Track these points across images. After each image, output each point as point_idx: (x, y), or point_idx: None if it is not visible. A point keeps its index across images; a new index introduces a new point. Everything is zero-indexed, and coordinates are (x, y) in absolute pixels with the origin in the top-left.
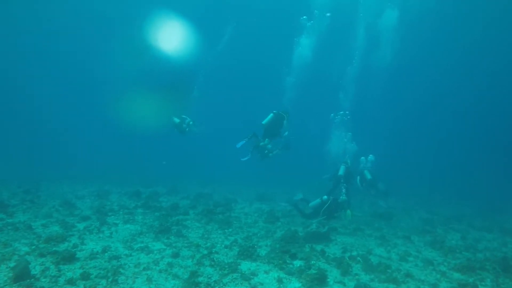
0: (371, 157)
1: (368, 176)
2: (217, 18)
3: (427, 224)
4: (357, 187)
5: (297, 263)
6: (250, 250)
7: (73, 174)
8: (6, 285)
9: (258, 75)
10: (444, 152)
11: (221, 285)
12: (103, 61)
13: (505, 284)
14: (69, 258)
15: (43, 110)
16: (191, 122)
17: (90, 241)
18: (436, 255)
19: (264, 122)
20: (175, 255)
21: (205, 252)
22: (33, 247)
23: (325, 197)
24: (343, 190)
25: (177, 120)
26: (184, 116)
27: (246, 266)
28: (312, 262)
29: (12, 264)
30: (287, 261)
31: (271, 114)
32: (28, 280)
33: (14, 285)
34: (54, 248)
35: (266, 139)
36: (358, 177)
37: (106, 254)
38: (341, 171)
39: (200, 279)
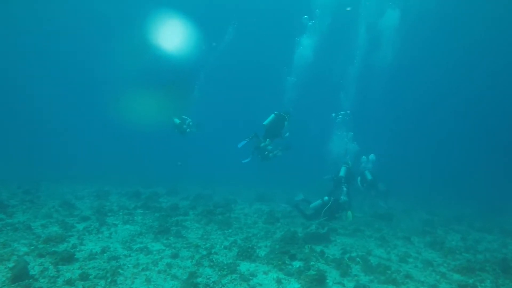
0: (372, 156)
1: (369, 177)
2: (217, 18)
3: (427, 225)
4: (357, 188)
5: (297, 264)
6: (250, 251)
7: (73, 174)
8: (4, 285)
9: (258, 75)
10: (445, 152)
11: (220, 285)
12: (103, 61)
13: (505, 285)
14: (68, 258)
15: (43, 110)
16: (191, 123)
17: (89, 242)
18: (436, 256)
19: (265, 122)
20: (174, 256)
21: (204, 252)
22: (32, 247)
23: (326, 198)
24: (344, 191)
25: (177, 120)
26: (184, 116)
27: (245, 266)
28: (312, 263)
29: (10, 265)
30: (287, 262)
31: (272, 115)
32: (26, 281)
33: (13, 285)
34: (53, 249)
35: (267, 139)
36: (359, 178)
37: (105, 254)
38: (342, 172)
39: (199, 279)
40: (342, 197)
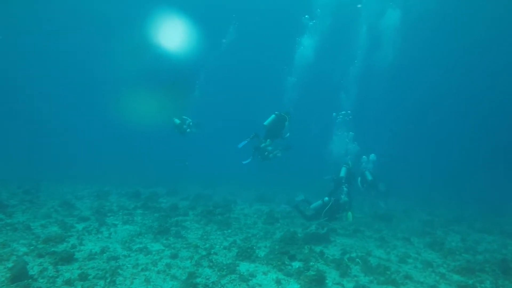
0: (372, 156)
1: (369, 177)
2: (218, 17)
3: (427, 226)
4: (358, 188)
5: (296, 264)
6: (249, 251)
7: (73, 174)
8: (3, 285)
9: (259, 75)
10: (445, 152)
11: (219, 286)
12: (103, 60)
13: (505, 286)
14: (68, 258)
15: (43, 110)
16: (191, 123)
17: (89, 242)
18: (436, 257)
19: (265, 123)
20: (174, 256)
21: (204, 253)
22: (32, 247)
23: (327, 198)
24: (344, 191)
25: (177, 121)
26: (184, 117)
27: (244, 267)
28: (311, 263)
29: (10, 265)
30: (286, 262)
31: (273, 115)
32: (25, 281)
33: (12, 285)
34: (52, 249)
35: (268, 140)
36: (359, 178)
37: (104, 254)
38: (342, 173)
39: (198, 280)
40: (342, 198)
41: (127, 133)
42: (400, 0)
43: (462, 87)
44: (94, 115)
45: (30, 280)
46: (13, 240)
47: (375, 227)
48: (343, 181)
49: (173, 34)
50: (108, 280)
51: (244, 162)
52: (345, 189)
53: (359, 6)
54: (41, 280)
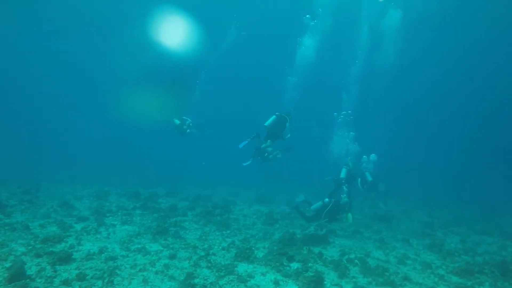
0: (373, 156)
1: (369, 178)
2: (219, 17)
3: (427, 227)
4: (358, 189)
5: (294, 265)
6: (248, 252)
7: (73, 174)
8: (1, 285)
9: (260, 75)
10: (445, 153)
11: (217, 287)
12: (103, 60)
13: None
14: (66, 258)
15: (43, 110)
16: (191, 124)
17: (87, 242)
18: (435, 258)
19: (266, 123)
20: (172, 257)
21: (202, 253)
22: (30, 247)
23: (327, 199)
24: (345, 192)
25: (177, 121)
26: (184, 117)
27: (243, 268)
28: (310, 264)
29: (7, 265)
30: (284, 264)
31: (274, 116)
32: (23, 281)
33: (9, 285)
34: (50, 249)
35: (269, 140)
36: (359, 179)
37: (102, 255)
38: (342, 174)
39: (196, 280)
40: (343, 198)
41: (127, 133)
42: (402, 0)
43: (462, 87)
44: (94, 115)
45: (27, 280)
46: (11, 240)
47: (375, 228)
48: (343, 182)
49: (173, 33)
50: (106, 281)
51: (244, 164)
52: (345, 189)
53: (380, 0)
54: (39, 280)
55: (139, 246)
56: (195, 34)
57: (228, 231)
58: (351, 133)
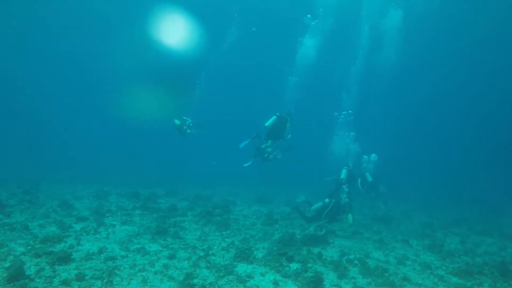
0: (373, 156)
1: (369, 179)
2: (220, 17)
3: (427, 228)
4: (358, 190)
5: (294, 266)
6: (247, 252)
7: (74, 174)
8: (0, 285)
9: (260, 75)
10: (446, 153)
11: (217, 287)
12: (104, 60)
13: None
14: (65, 258)
15: (43, 110)
16: (191, 124)
17: (87, 242)
18: (435, 259)
19: (267, 124)
20: (171, 257)
21: (202, 254)
22: (29, 247)
23: (327, 200)
24: (345, 193)
25: (177, 121)
26: (184, 117)
27: (242, 268)
28: (309, 265)
29: (7, 265)
30: (284, 264)
31: (274, 117)
32: (22, 281)
33: (8, 285)
34: (50, 249)
35: (269, 141)
36: (359, 180)
37: (102, 255)
38: (343, 175)
39: (196, 281)
40: (343, 199)
41: (128, 133)
42: (403, 0)
43: (463, 88)
44: (94, 115)
45: (27, 280)
46: (11, 240)
47: (374, 229)
48: (344, 182)
49: (173, 33)
50: (105, 281)
51: (245, 165)
52: (345, 189)
53: None
54: (38, 280)
55: (139, 246)
56: (195, 34)
57: (227, 232)
58: (352, 133)
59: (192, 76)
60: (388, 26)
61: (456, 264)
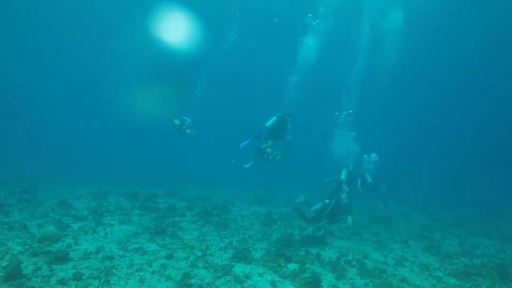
0: (374, 156)
1: (369, 180)
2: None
3: (426, 229)
4: (357, 190)
5: (292, 266)
6: (245, 252)
7: (73, 174)
8: None
9: (261, 75)
10: (446, 154)
11: (214, 287)
12: (104, 60)
13: None
14: (62, 258)
15: (44, 110)
16: (191, 124)
17: (84, 242)
18: (433, 260)
19: (267, 124)
20: (169, 257)
21: (200, 254)
22: (27, 246)
23: (327, 200)
24: (345, 194)
25: (177, 121)
26: (184, 117)
27: (240, 268)
28: (307, 265)
29: (4, 264)
30: (282, 264)
31: (275, 117)
32: (19, 280)
33: (5, 284)
34: (47, 248)
35: (269, 141)
36: (359, 180)
37: (99, 254)
38: (343, 175)
39: (193, 281)
40: (343, 199)
41: (128, 133)
42: (403, 1)
43: (463, 88)
44: (94, 115)
45: (23, 279)
46: (8, 239)
47: (373, 230)
48: (344, 183)
49: (175, 32)
50: (102, 280)
51: (245, 166)
52: (346, 189)
53: None
54: (35, 279)
55: (137, 246)
56: (196, 33)
57: (226, 232)
58: (352, 133)
59: (192, 76)
60: (389, 26)
61: (454, 265)
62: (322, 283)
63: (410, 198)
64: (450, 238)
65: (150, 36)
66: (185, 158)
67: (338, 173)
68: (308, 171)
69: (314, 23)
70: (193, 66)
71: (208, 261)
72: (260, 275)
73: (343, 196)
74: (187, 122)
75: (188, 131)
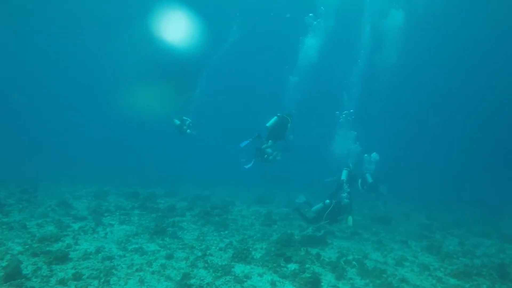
0: (374, 155)
1: (369, 180)
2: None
3: (426, 229)
4: (358, 190)
5: (292, 266)
6: (245, 252)
7: (73, 174)
8: None
9: (261, 74)
10: (446, 154)
11: (214, 287)
12: (104, 60)
13: None
14: (62, 258)
15: (44, 110)
16: (191, 124)
17: (84, 242)
18: (433, 260)
19: (268, 124)
20: (169, 257)
21: (199, 254)
22: (27, 246)
23: (328, 201)
24: (345, 194)
25: (177, 121)
26: (184, 117)
27: (240, 268)
28: (307, 265)
29: (4, 264)
30: (282, 264)
31: (275, 117)
32: (19, 280)
33: (5, 284)
34: (47, 248)
35: (270, 141)
36: (360, 180)
37: (99, 254)
38: (343, 176)
39: (193, 281)
40: (343, 199)
41: (128, 133)
42: (404, 0)
43: (464, 88)
44: (94, 115)
45: (23, 279)
46: (8, 239)
47: (373, 230)
48: (344, 184)
49: (175, 32)
50: (102, 280)
51: (246, 167)
52: (346, 189)
53: None
54: (35, 280)
55: (137, 246)
56: (197, 33)
57: (226, 232)
58: (353, 132)
59: (193, 75)
60: (389, 26)
61: (454, 265)
62: (322, 283)
63: (410, 198)
64: (450, 238)
65: (150, 36)
66: (185, 158)
67: (339, 173)
68: (308, 171)
69: (315, 23)
70: (193, 66)
71: (208, 261)
72: (260, 275)
73: (344, 196)
74: (187, 122)
75: (188, 131)
